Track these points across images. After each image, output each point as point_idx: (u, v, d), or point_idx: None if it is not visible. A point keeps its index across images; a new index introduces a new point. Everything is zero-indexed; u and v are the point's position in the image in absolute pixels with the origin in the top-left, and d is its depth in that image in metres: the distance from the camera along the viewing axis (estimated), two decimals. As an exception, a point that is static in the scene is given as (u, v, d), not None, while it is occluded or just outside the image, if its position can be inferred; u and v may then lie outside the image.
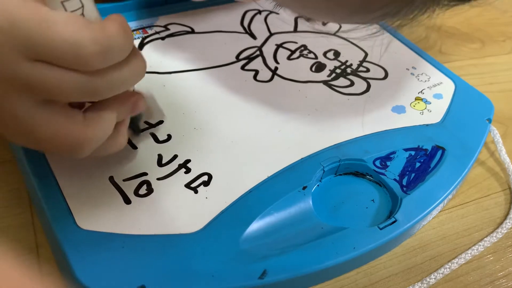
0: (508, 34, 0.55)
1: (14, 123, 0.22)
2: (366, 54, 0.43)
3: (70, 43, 0.21)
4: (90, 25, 0.21)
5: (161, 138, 0.33)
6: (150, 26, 0.42)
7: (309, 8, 0.27)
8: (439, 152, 0.35)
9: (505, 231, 0.33)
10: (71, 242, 0.26)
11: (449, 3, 0.25)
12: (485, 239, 0.33)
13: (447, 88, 0.41)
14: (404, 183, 0.33)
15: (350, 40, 0.44)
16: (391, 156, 0.34)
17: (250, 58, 0.41)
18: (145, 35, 0.41)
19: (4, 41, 0.20)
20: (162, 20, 0.43)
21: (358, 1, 0.24)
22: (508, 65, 0.50)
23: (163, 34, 0.42)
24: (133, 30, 0.41)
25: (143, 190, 0.29)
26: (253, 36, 0.43)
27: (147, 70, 0.37)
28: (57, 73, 0.21)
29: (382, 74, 0.41)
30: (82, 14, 0.23)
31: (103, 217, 0.27)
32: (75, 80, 0.22)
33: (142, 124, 0.33)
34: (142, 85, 0.36)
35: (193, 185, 0.30)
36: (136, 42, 0.40)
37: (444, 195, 0.32)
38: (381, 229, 0.30)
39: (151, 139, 0.33)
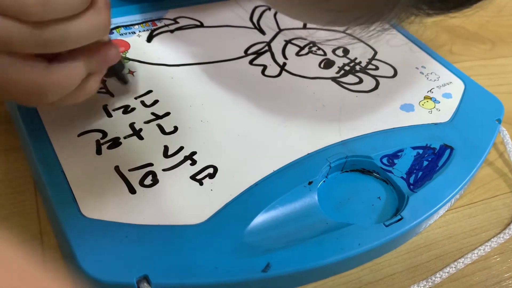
0: (519, 36, 0.54)
1: None
2: (376, 52, 0.43)
3: None
4: None
5: (167, 130, 0.33)
6: (159, 19, 0.42)
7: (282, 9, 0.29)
8: (447, 151, 0.34)
9: (513, 232, 0.33)
10: (75, 230, 0.26)
11: (429, 13, 0.25)
12: (492, 239, 0.32)
13: (457, 87, 0.40)
14: (411, 181, 0.32)
15: (360, 38, 0.44)
16: (399, 154, 0.34)
17: (258, 53, 0.41)
18: (154, 27, 0.41)
19: None
20: (171, 13, 0.43)
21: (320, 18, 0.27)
22: (518, 67, 0.50)
23: (172, 27, 0.42)
24: (143, 22, 0.41)
25: (148, 181, 0.29)
26: (262, 32, 0.43)
27: (155, 62, 0.38)
28: (4, 24, 0.22)
29: (391, 72, 0.41)
30: None
31: (108, 206, 0.27)
32: (20, 31, 0.22)
33: (127, 76, 0.35)
34: (150, 77, 0.37)
35: (198, 177, 0.30)
36: (145, 34, 0.40)
37: (452, 195, 0.32)
38: (387, 226, 0.29)
39: (158, 130, 0.32)
